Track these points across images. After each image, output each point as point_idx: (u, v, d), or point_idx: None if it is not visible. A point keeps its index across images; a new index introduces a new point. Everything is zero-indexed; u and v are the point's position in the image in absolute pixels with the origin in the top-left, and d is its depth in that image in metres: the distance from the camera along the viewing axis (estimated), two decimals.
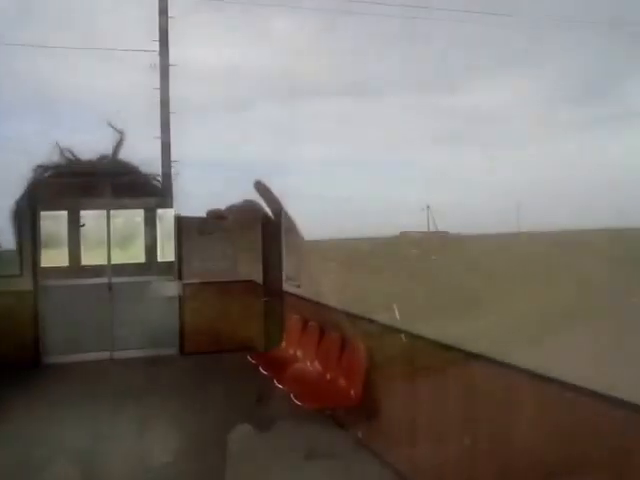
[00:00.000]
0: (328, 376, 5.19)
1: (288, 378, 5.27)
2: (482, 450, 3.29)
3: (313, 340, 5.75)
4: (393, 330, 4.30)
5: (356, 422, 4.94)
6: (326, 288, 5.67)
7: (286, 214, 6.62)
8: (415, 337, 3.98)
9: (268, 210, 6.54)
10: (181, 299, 8.39)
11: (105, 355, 8.17)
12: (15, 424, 5.56)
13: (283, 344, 6.43)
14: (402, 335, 4.10)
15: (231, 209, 7.45)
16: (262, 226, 7.98)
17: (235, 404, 5.92)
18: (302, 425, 5.20)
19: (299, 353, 5.99)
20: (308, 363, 5.67)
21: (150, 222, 8.95)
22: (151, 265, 8.99)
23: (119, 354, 8.23)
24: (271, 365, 5.75)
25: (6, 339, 7.41)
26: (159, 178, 8.65)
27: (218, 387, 6.61)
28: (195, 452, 4.72)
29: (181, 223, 8.37)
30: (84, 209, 8.60)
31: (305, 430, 5.03)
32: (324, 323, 5.65)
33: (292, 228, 6.45)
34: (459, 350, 3.47)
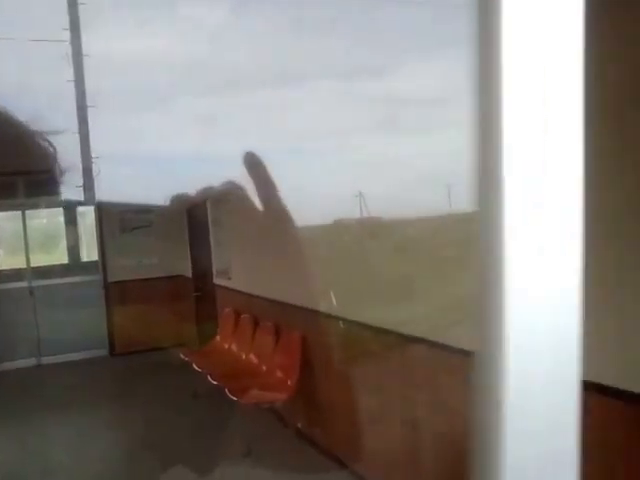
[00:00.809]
0: (264, 368, 5.06)
1: (222, 373, 5.12)
2: (423, 431, 3.25)
3: (247, 333, 5.60)
4: (330, 317, 4.20)
5: (295, 413, 4.85)
6: (259, 279, 5.52)
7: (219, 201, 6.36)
8: (352, 323, 3.90)
9: (257, 194, 6.20)
10: (108, 299, 8.08)
11: (32, 362, 7.79)
12: None
13: (217, 338, 6.25)
14: (340, 322, 4.02)
15: (207, 192, 7.05)
16: (188, 216, 7.77)
17: (169, 402, 5.76)
18: (239, 421, 5.09)
19: (234, 346, 5.82)
20: (243, 356, 5.52)
21: (71, 220, 8.58)
22: (75, 266, 8.61)
23: (47, 359, 7.86)
24: (205, 361, 5.57)
25: None
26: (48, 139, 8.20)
27: (150, 386, 6.42)
28: (129, 454, 4.53)
29: (103, 219, 8.05)
30: None
31: (242, 426, 4.91)
32: (258, 315, 5.51)
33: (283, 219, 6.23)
34: (397, 334, 3.42)
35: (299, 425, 4.75)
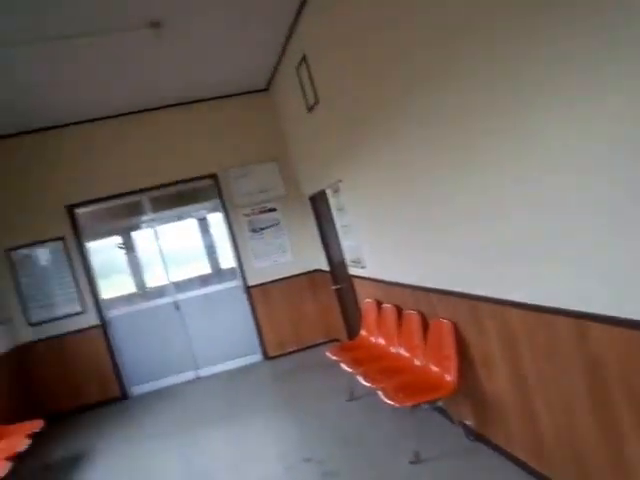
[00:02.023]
0: (417, 362, 4.48)
1: (372, 371, 4.63)
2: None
3: (392, 324, 5.05)
4: (485, 300, 3.53)
5: (460, 409, 4.24)
6: (393, 264, 4.95)
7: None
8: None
9: None
10: (252, 303, 7.96)
11: (190, 375, 7.89)
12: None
13: (362, 332, 5.77)
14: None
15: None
16: (313, 206, 7.43)
17: (325, 407, 5.44)
18: (400, 423, 4.58)
19: (380, 340, 5.31)
20: (392, 350, 4.98)
21: (204, 229, 8.60)
22: (215, 274, 8.61)
23: (203, 372, 7.93)
24: (353, 359, 5.12)
25: (90, 377, 7.55)
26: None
27: (304, 390, 6.16)
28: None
29: (232, 224, 7.92)
30: (133, 230, 8.33)
31: (405, 428, 4.40)
32: (400, 304, 4.95)
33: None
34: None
35: (467, 423, 4.15)
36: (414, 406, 3.91)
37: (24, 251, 7.49)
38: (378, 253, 5.28)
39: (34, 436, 5.18)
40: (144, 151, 7.75)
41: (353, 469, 4.14)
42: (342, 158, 5.58)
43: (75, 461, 5.66)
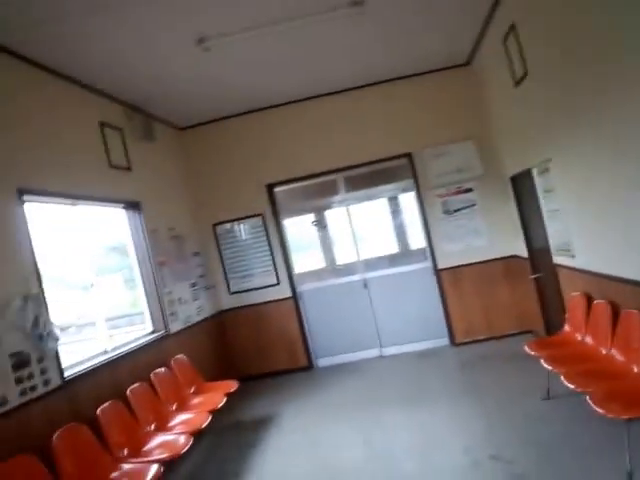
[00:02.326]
0: (636, 369, 3.94)
1: (577, 373, 4.17)
2: None
3: (605, 323, 4.51)
4: None
5: None
6: (614, 256, 4.38)
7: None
8: None
9: None
10: (441, 286, 7.71)
11: (374, 353, 7.90)
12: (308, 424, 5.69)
13: (565, 328, 5.25)
14: None
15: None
16: (513, 188, 6.92)
17: (516, 403, 5.06)
18: (606, 434, 4.07)
19: (588, 339, 4.77)
20: (603, 351, 4.45)
21: (395, 209, 8.48)
22: (404, 254, 8.48)
23: (386, 350, 7.89)
24: (554, 355, 4.67)
25: (280, 346, 7.90)
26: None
27: (493, 381, 5.81)
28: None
29: (424, 204, 7.70)
30: (327, 209, 8.48)
31: (612, 441, 3.90)
32: (618, 301, 4.38)
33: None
34: None
35: None
36: (630, 419, 3.43)
37: (227, 226, 8.00)
38: (594, 242, 4.71)
39: (229, 395, 5.51)
40: (339, 131, 7.79)
41: (546, 476, 3.77)
42: (553, 135, 5.06)
43: (262, 422, 5.94)
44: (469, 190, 7.70)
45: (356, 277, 8.00)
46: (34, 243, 4.28)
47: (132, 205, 6.12)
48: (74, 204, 5.16)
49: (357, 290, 7.96)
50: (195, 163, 8.00)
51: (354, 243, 8.03)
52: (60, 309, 6.07)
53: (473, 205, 7.68)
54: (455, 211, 7.72)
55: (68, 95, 5.30)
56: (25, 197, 4.31)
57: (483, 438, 4.54)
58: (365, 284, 7.93)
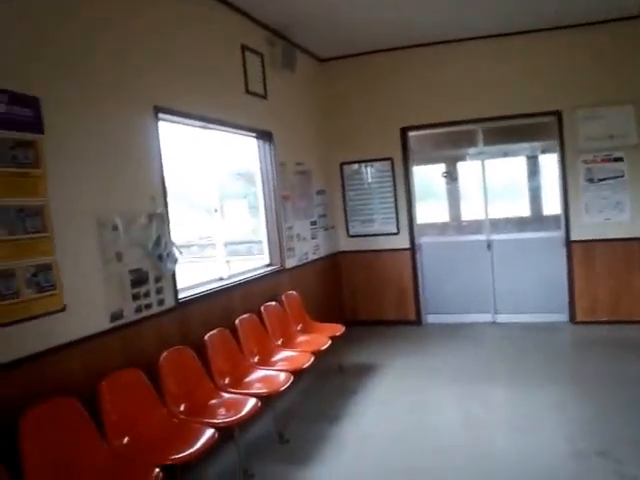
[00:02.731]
0: None
1: None
2: None
3: None
4: None
5: None
6: None
7: None
8: None
9: None
10: (569, 259, 7.07)
11: (486, 318, 7.49)
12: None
13: None
14: None
15: None
16: None
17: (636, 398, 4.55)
18: None
19: None
20: None
21: (532, 170, 7.81)
22: (535, 220, 7.85)
23: (501, 318, 7.45)
24: None
25: (391, 296, 7.65)
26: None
27: (612, 370, 5.27)
28: None
29: (567, 169, 6.99)
30: (460, 160, 7.97)
31: None
32: None
33: None
34: None
35: None
36: None
37: (354, 167, 7.73)
38: None
39: (334, 338, 5.40)
40: (482, 79, 7.14)
41: None
42: None
43: (365, 370, 5.81)
44: (619, 159, 6.86)
45: (480, 237, 7.50)
46: (164, 163, 4.25)
47: (264, 135, 5.99)
48: (206, 127, 5.09)
49: (479, 251, 7.47)
50: (330, 98, 7.70)
51: (483, 201, 7.49)
52: (184, 229, 6.20)
53: (621, 176, 6.85)
54: (600, 180, 6.94)
55: (212, 14, 5.12)
56: (160, 115, 4.25)
57: (591, 431, 4.08)
58: (489, 245, 7.43)
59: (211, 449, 3.25)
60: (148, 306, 3.89)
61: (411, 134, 7.58)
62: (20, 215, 2.99)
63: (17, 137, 3.03)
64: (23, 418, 2.70)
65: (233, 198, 6.77)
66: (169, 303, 4.13)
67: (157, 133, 4.20)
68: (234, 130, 5.53)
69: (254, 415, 3.72)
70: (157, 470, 2.78)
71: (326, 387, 5.41)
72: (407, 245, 7.58)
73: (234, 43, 5.48)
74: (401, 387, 5.32)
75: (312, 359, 4.72)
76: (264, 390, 4.09)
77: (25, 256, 2.98)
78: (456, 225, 8.14)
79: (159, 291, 4.02)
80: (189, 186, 5.58)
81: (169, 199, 4.28)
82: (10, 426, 2.66)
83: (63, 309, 3.16)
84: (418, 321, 7.64)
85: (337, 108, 7.70)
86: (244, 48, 5.58)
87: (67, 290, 3.19)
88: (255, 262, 6.01)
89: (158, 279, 4.01)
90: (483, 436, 4.17)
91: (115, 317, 3.57)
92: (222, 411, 3.70)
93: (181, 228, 6.20)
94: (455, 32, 6.92)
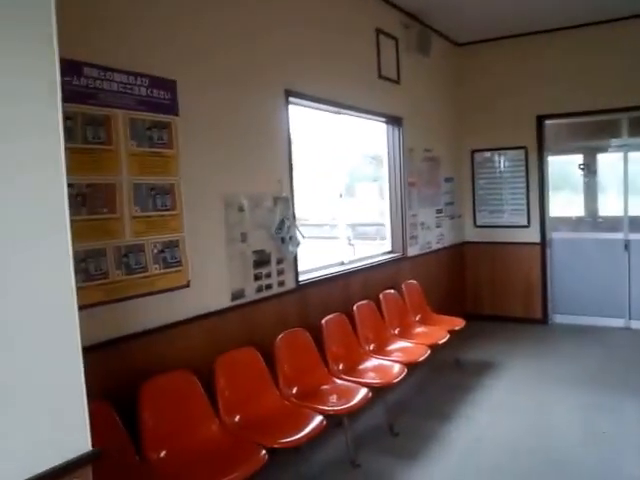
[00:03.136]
0: None
1: None
2: None
3: None
4: None
5: None
6: None
7: None
8: None
9: None
10: None
11: (619, 322, 6.85)
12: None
13: None
14: None
15: None
16: None
17: None
18: None
19: None
20: None
21: None
22: None
23: (637, 324, 6.77)
24: None
25: (516, 292, 7.22)
26: None
27: None
28: None
29: None
30: (600, 152, 7.30)
31: None
32: None
33: None
34: None
35: None
36: None
37: (486, 154, 7.32)
38: None
39: (452, 332, 5.15)
40: (629, 64, 6.42)
41: None
42: None
43: (483, 367, 5.51)
44: None
45: (617, 235, 6.81)
46: (292, 146, 4.22)
47: (394, 120, 5.79)
48: (338, 112, 5.01)
49: (616, 250, 6.79)
50: (465, 83, 7.31)
51: (623, 196, 6.78)
52: (311, 209, 6.20)
53: None
54: None
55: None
56: (291, 99, 4.22)
57: None
58: (626, 245, 6.73)
59: (319, 435, 3.19)
60: (269, 287, 3.90)
61: (548, 122, 7.02)
62: (151, 193, 3.08)
63: (154, 118, 3.12)
64: (144, 386, 2.80)
65: (365, 180, 6.67)
66: (289, 285, 4.12)
67: (287, 117, 4.17)
68: (365, 115, 5.39)
69: (364, 405, 3.63)
70: (263, 452, 2.76)
71: (440, 382, 5.17)
72: (537, 239, 7.06)
73: (368, 27, 5.32)
74: (520, 390, 4.97)
75: (428, 352, 4.53)
76: (377, 380, 3.98)
77: (154, 232, 3.07)
78: (591, 221, 7.48)
79: (280, 272, 4.02)
80: (317, 169, 5.54)
81: (295, 182, 4.25)
82: (133, 393, 2.77)
83: (187, 285, 3.24)
84: (544, 320, 7.12)
85: (471, 94, 7.30)
86: (378, 32, 5.41)
87: (192, 267, 3.26)
88: (377, 247, 5.88)
89: (280, 261, 4.01)
90: (609, 456, 3.75)
91: (236, 296, 3.61)
92: (333, 398, 3.62)
93: (308, 209, 6.22)
94: (599, 13, 6.24)
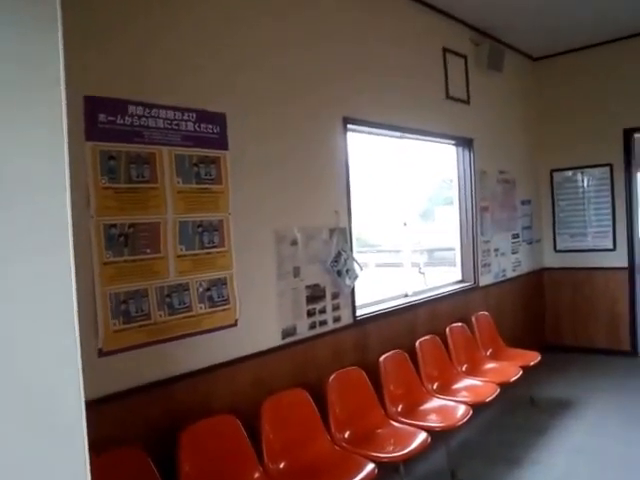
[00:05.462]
0: None
1: None
2: None
3: None
4: None
5: None
6: None
7: None
8: None
9: None
10: None
11: None
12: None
13: None
14: None
15: None
16: None
17: None
18: None
19: None
20: None
21: None
22: None
23: None
24: None
25: (600, 320, 6.64)
26: None
27: None
28: None
29: None
30: None
31: None
32: None
33: None
34: None
35: None
36: None
37: (568, 174, 6.80)
38: None
39: (527, 368, 4.72)
40: None
41: None
42: None
43: (561, 406, 5.02)
44: None
45: None
46: (351, 175, 4.03)
47: (464, 142, 5.47)
48: (402, 137, 4.78)
49: None
50: (541, 99, 6.83)
51: None
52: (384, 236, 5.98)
53: None
54: None
55: (409, 15, 4.74)
56: (350, 127, 4.02)
57: None
58: None
59: None
60: (323, 323, 3.70)
61: (637, 136, 6.43)
62: (198, 230, 2.98)
63: (202, 154, 3.02)
64: (183, 432, 2.67)
65: (444, 204, 6.36)
66: (346, 320, 3.89)
67: (345, 145, 3.98)
68: (432, 138, 5.12)
69: (423, 451, 3.34)
70: None
71: (512, 423, 4.73)
72: (624, 264, 6.44)
73: (434, 46, 5.05)
74: (604, 432, 4.47)
75: (498, 391, 4.15)
76: (439, 424, 3.67)
77: (200, 271, 2.97)
78: None
79: (336, 308, 3.81)
80: (380, 197, 5.32)
81: (358, 210, 4.06)
82: (174, 437, 2.66)
83: (235, 324, 3.11)
84: (633, 352, 6.46)
85: (549, 110, 6.82)
86: (445, 50, 5.13)
87: (240, 305, 3.13)
88: (445, 275, 5.56)
89: (335, 295, 3.81)
90: None
91: (287, 333, 3.43)
92: (389, 442, 3.37)
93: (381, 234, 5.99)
94: None
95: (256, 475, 2.84)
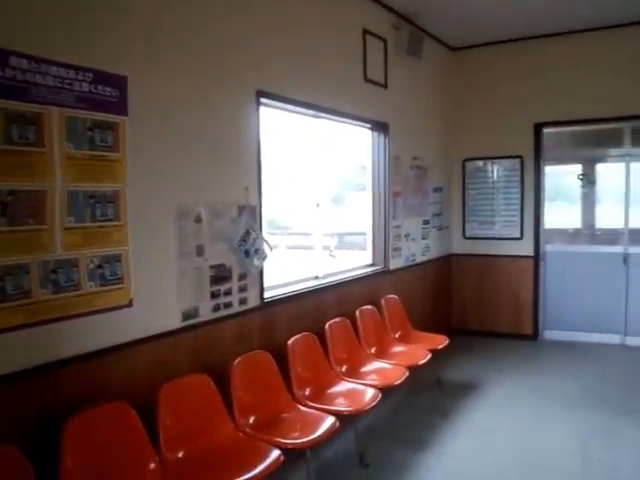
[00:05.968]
0: None
1: None
2: None
3: None
4: None
5: None
6: None
7: None
8: None
9: None
10: None
11: (614, 339, 6.44)
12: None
13: None
14: None
15: None
16: None
17: None
18: None
19: None
20: None
21: None
22: None
23: (632, 340, 6.37)
24: None
25: (505, 306, 6.83)
26: None
27: None
28: None
29: None
30: (599, 162, 6.92)
31: None
32: None
33: None
34: None
35: None
36: None
37: (479, 163, 6.93)
38: None
39: (435, 351, 4.76)
40: (630, 72, 6.06)
41: None
42: None
43: (466, 387, 5.12)
44: None
45: (616, 248, 6.44)
46: (262, 151, 3.84)
47: (379, 126, 5.41)
48: (317, 117, 4.63)
49: (613, 264, 6.41)
50: (458, 89, 6.92)
51: (624, 208, 6.40)
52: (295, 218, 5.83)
53: None
54: None
55: None
56: (263, 100, 3.83)
57: None
58: (625, 259, 6.35)
59: (275, 472, 2.80)
60: (228, 305, 3.51)
61: (546, 131, 6.64)
62: (90, 201, 2.70)
63: (97, 118, 2.74)
64: (66, 422, 2.41)
65: (355, 189, 6.29)
66: (253, 302, 3.72)
67: (257, 120, 3.78)
68: (348, 120, 5.01)
69: (330, 436, 3.24)
70: None
71: (419, 405, 4.75)
72: (530, 252, 6.67)
73: (354, 27, 4.94)
74: (506, 412, 4.57)
75: (406, 374, 4.13)
76: (347, 408, 3.59)
77: (91, 246, 2.70)
78: (589, 234, 7.12)
79: (242, 289, 3.63)
80: (293, 178, 5.17)
81: (264, 190, 3.87)
82: (57, 428, 2.39)
83: (130, 304, 2.86)
84: (534, 336, 6.73)
85: (465, 100, 6.91)
86: (366, 32, 5.03)
87: (135, 284, 2.88)
88: (355, 259, 5.50)
89: (242, 276, 3.63)
90: None
91: (188, 315, 3.22)
92: (295, 428, 3.24)
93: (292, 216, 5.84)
94: (602, 19, 5.88)
95: (151, 466, 2.63)
